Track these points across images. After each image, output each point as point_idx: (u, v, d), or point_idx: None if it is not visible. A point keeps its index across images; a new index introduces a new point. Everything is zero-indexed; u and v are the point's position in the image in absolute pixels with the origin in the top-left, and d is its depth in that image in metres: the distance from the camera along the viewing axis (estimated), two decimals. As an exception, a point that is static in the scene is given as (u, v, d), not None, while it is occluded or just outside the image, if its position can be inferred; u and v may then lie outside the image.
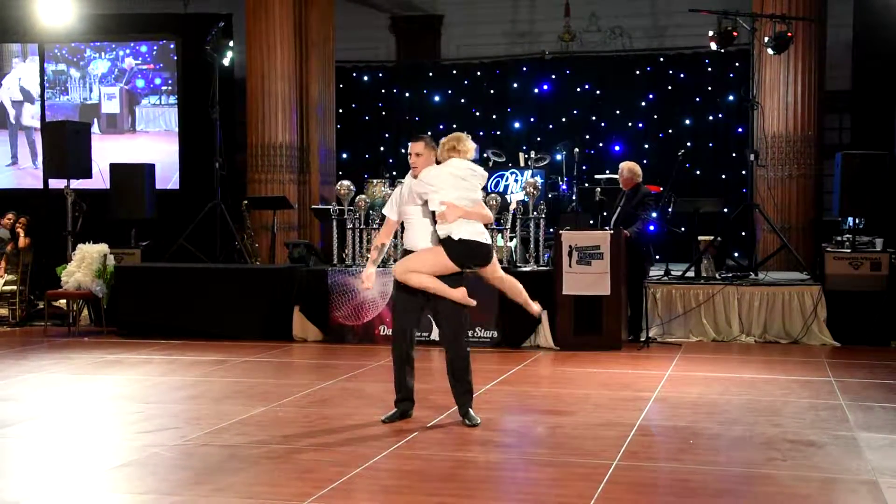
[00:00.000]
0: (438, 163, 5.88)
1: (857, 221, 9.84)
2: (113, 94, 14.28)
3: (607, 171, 12.60)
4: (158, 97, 14.18)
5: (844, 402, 6.59)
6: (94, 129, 14.06)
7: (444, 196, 5.68)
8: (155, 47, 14.12)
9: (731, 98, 14.11)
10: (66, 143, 11.32)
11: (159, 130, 14.15)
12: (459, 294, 5.79)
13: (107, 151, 13.34)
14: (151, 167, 11.86)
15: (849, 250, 9.49)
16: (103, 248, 10.46)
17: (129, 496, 4.65)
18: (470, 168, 5.85)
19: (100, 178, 11.88)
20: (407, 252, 5.96)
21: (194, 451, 5.39)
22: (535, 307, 6.15)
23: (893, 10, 11.46)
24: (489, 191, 11.51)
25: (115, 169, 11.71)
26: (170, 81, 14.09)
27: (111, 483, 4.86)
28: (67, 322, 10.66)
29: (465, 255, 5.77)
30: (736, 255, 11.71)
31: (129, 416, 6.31)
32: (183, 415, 6.34)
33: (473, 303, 5.87)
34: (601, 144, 14.69)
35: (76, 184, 11.51)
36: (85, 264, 10.29)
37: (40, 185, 13.48)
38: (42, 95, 12.76)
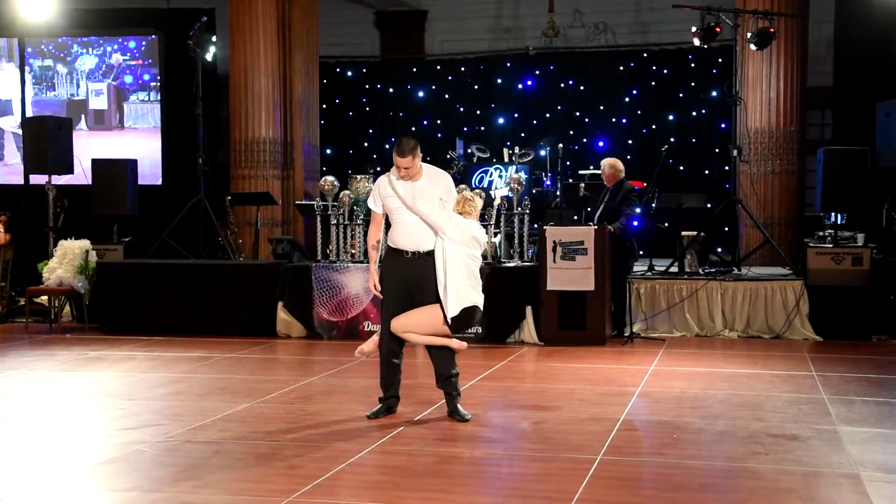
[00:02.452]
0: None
1: (838, 217, 9.90)
2: (100, 91, 14.18)
3: (591, 167, 12.62)
4: (147, 93, 14.08)
5: (826, 396, 6.63)
6: (82, 125, 13.97)
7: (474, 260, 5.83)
8: (143, 43, 14.03)
9: (714, 94, 14.16)
10: (47, 139, 11.23)
11: (148, 127, 14.06)
12: (456, 344, 5.92)
13: (94, 148, 13.21)
14: (134, 163, 11.79)
15: (831, 245, 9.54)
16: (85, 243, 10.39)
17: (111, 493, 4.63)
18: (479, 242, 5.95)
19: (82, 174, 11.80)
20: (391, 249, 5.97)
21: (177, 447, 5.37)
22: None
23: (873, 6, 11.52)
24: (473, 186, 11.53)
25: (98, 165, 11.63)
26: (158, 77, 14.01)
27: (94, 480, 4.84)
28: (49, 318, 10.60)
29: (464, 321, 5.86)
30: (719, 250, 11.77)
31: (111, 413, 6.27)
32: (166, 411, 6.31)
33: (465, 346, 6.02)
34: (585, 140, 14.71)
35: (59, 180, 11.42)
36: (67, 260, 10.23)
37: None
38: (23, 90, 12.67)
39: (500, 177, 12.22)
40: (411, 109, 15.56)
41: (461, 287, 5.79)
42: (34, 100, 14.04)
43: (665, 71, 14.58)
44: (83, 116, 14.06)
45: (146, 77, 14.08)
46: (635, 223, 9.77)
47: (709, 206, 12.17)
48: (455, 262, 5.79)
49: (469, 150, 12.73)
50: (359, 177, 10.33)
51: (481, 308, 5.94)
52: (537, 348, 8.94)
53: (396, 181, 5.88)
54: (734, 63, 11.05)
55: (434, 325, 5.84)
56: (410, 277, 5.88)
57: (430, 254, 5.86)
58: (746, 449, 5.28)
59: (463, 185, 9.73)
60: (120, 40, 14.09)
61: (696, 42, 10.64)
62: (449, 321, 5.78)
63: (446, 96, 15.48)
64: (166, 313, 9.94)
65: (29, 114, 13.07)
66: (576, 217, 9.78)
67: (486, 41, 15.62)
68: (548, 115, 14.92)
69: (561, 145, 12.28)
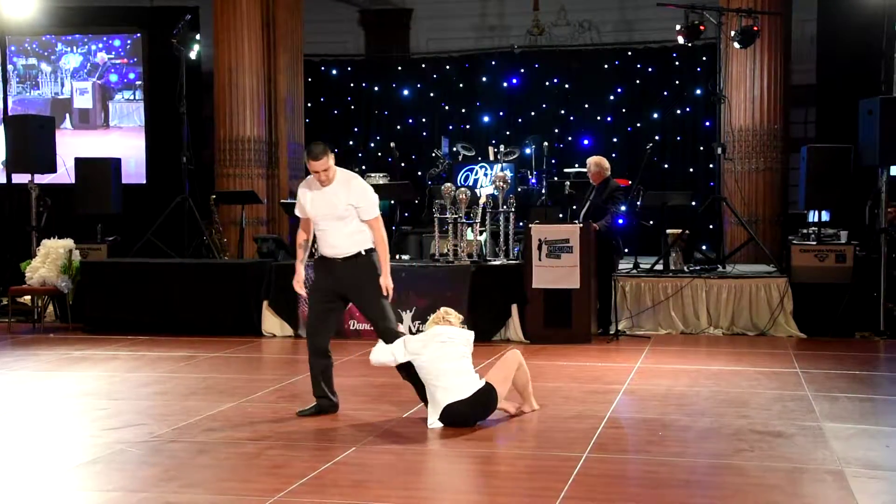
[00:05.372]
0: None
1: (822, 214, 9.95)
2: (85, 89, 14.08)
3: (576, 165, 12.66)
4: (132, 92, 14.00)
5: (810, 392, 6.67)
6: (66, 124, 13.87)
7: (432, 364, 5.67)
8: (128, 41, 13.94)
9: (698, 92, 14.20)
10: (29, 138, 11.17)
11: (133, 126, 13.97)
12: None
13: (79, 147, 13.11)
14: (117, 161, 11.73)
15: (814, 243, 9.58)
16: (68, 243, 10.33)
17: (96, 493, 4.60)
18: (450, 335, 5.79)
19: (66, 173, 11.73)
20: (324, 258, 5.99)
21: (162, 447, 5.35)
22: (525, 407, 6.01)
23: (856, 4, 11.57)
24: (458, 185, 11.54)
25: (81, 163, 11.57)
26: (143, 76, 13.93)
27: (78, 481, 4.81)
28: (32, 318, 10.53)
29: (487, 407, 5.78)
30: (704, 247, 11.82)
31: (95, 413, 6.24)
32: (150, 411, 6.29)
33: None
34: (570, 138, 14.73)
35: (42, 179, 11.35)
36: (50, 260, 10.16)
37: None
38: (4, 89, 12.56)
39: (486, 175, 12.23)
40: (396, 108, 15.54)
41: (464, 387, 5.66)
42: (18, 98, 13.93)
43: (650, 69, 14.61)
44: (67, 115, 13.97)
45: (131, 76, 14.00)
46: (620, 221, 9.79)
47: (693, 203, 12.21)
48: (445, 371, 5.67)
49: (454, 149, 12.74)
50: (344, 175, 10.29)
51: (492, 385, 5.77)
52: (523, 346, 8.93)
53: (308, 193, 5.94)
54: (718, 61, 11.10)
55: None
56: (343, 279, 5.96)
57: (360, 255, 5.91)
58: (731, 446, 5.29)
59: (449, 184, 9.74)
60: (105, 39, 14.00)
61: (681, 40, 10.68)
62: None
63: (431, 95, 15.46)
64: (151, 313, 9.89)
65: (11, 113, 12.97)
66: (561, 215, 9.79)
67: (471, 39, 15.61)
68: (533, 114, 14.93)
69: (546, 143, 12.34)
